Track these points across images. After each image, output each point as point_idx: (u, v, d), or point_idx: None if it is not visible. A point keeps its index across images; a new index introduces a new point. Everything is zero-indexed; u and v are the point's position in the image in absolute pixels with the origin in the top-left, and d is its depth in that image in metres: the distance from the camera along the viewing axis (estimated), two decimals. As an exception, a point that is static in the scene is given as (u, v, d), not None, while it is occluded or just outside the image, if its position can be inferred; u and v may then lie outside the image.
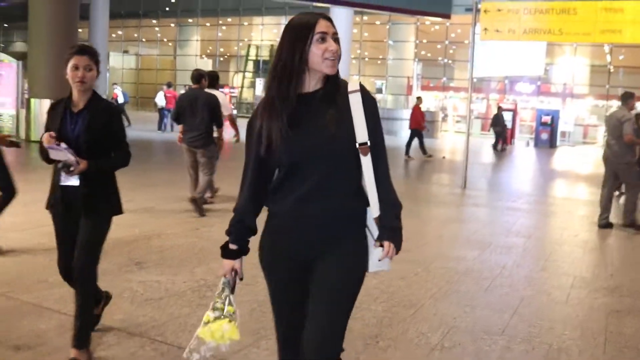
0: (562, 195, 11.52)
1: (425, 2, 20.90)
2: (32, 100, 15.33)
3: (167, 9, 39.39)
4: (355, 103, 1.97)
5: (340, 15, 24.76)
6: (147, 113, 33.07)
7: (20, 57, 21.43)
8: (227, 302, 2.06)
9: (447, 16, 19.40)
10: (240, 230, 2.08)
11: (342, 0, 23.43)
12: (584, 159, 20.28)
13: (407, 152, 15.67)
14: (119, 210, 3.19)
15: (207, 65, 40.43)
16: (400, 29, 33.09)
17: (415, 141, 15.92)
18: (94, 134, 3.00)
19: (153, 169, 11.09)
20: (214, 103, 7.05)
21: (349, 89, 2.00)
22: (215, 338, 2.02)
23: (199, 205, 6.96)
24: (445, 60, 34.11)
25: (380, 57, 35.21)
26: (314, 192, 1.97)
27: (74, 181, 2.99)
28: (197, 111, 6.92)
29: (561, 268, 5.70)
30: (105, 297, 3.48)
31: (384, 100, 33.07)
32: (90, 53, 3.04)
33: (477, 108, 30.29)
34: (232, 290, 2.09)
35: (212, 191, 7.71)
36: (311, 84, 1.98)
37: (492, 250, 6.16)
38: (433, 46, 34.02)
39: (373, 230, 2.04)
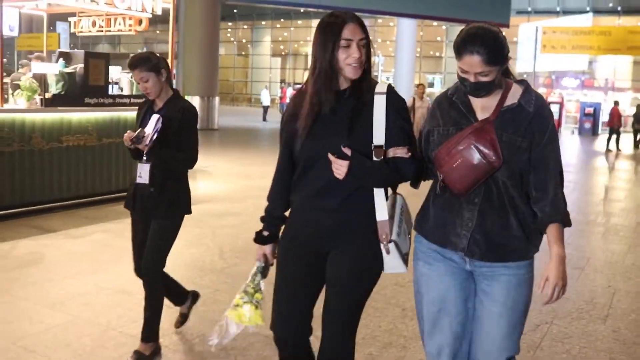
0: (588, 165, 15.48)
1: (484, 12, 22.81)
2: (185, 97, 19.22)
3: (242, 13, 44.03)
4: (379, 105, 1.98)
5: (406, 21, 28.62)
6: (228, 107, 37.55)
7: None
8: (257, 289, 2.17)
9: (505, 25, 21.95)
10: (270, 218, 2.19)
11: (406, 13, 24.92)
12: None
13: (607, 147, 18.65)
14: (186, 211, 3.13)
15: (277, 63, 45.09)
16: (456, 30, 36.74)
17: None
18: (166, 133, 2.96)
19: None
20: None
21: (376, 90, 2.00)
22: (242, 321, 2.15)
23: None
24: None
25: (433, 53, 38.91)
26: (327, 187, 2.00)
27: (144, 179, 2.99)
28: None
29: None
30: (193, 297, 3.45)
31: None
32: (139, 65, 2.93)
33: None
34: (264, 275, 2.19)
35: None
36: (342, 83, 1.99)
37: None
38: (485, 45, 37.53)
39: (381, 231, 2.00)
